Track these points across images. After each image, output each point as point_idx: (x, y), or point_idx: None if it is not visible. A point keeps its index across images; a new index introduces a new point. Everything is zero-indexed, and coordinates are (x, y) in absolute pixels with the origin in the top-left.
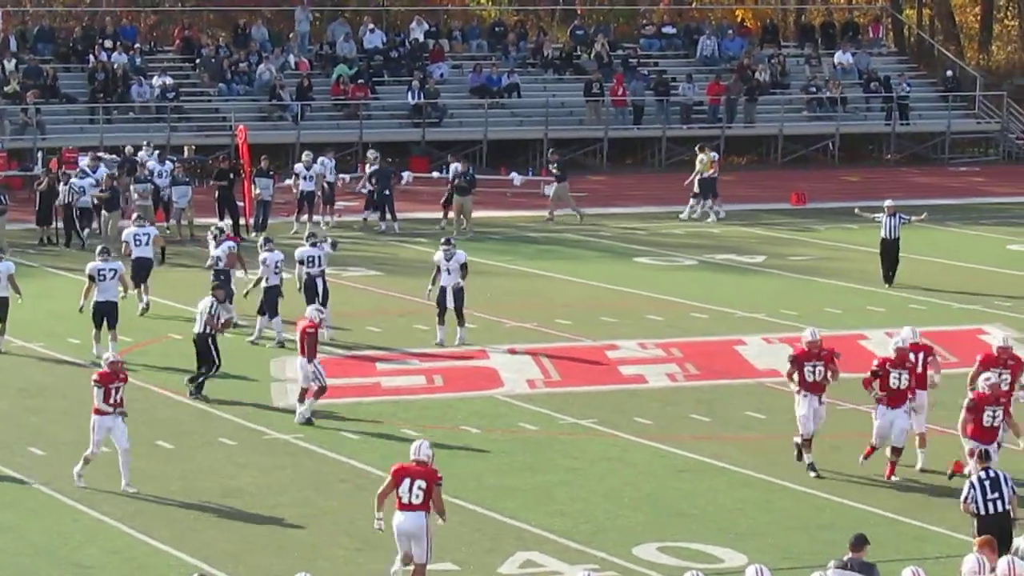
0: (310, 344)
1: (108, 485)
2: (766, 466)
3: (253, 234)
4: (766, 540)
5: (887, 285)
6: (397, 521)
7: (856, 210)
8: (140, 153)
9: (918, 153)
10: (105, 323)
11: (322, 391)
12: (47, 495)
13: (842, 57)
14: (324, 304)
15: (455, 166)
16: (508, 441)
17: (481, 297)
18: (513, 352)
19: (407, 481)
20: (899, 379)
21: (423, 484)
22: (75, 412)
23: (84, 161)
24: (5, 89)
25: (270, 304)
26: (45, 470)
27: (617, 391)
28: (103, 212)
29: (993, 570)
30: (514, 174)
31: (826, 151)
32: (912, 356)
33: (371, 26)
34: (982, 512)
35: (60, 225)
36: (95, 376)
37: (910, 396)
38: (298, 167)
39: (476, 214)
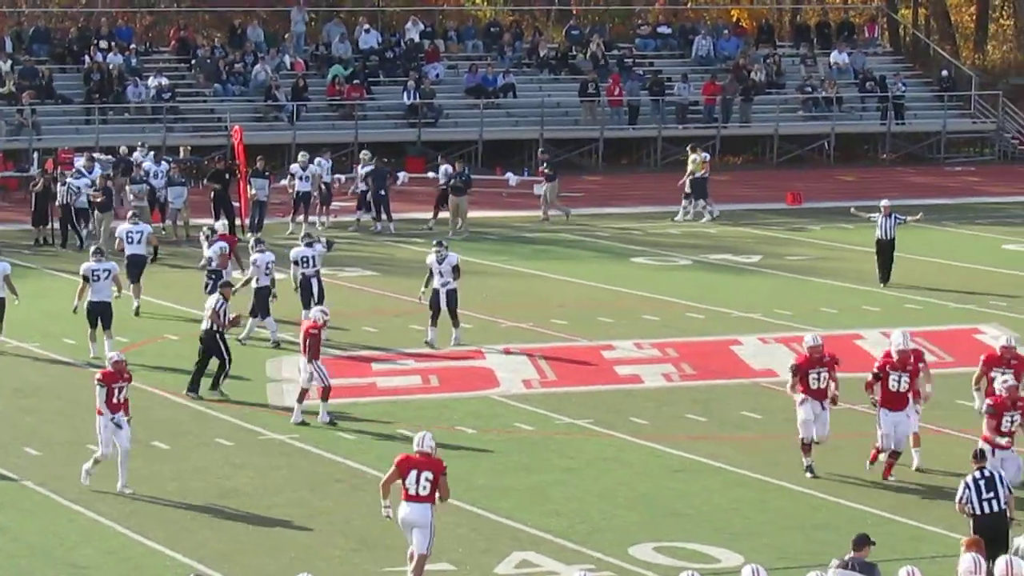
0: (312, 345)
1: (104, 485)
2: (762, 466)
3: (249, 234)
4: (761, 540)
5: (883, 285)
6: (403, 512)
7: (852, 210)
8: (135, 154)
9: (914, 153)
10: (100, 323)
11: (327, 391)
12: (43, 495)
13: (838, 57)
14: (320, 304)
15: (445, 167)
16: (504, 441)
17: (477, 297)
18: (509, 352)
19: (414, 473)
20: (899, 382)
21: (430, 475)
22: (70, 412)
23: (80, 161)
24: (0, 90)
25: (261, 305)
26: (40, 470)
27: (613, 391)
28: (95, 213)
29: (990, 572)
30: (510, 174)
31: (822, 151)
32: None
33: (366, 26)
34: (977, 512)
35: (56, 226)
36: (98, 375)
37: (912, 398)
38: (294, 167)
39: (472, 214)
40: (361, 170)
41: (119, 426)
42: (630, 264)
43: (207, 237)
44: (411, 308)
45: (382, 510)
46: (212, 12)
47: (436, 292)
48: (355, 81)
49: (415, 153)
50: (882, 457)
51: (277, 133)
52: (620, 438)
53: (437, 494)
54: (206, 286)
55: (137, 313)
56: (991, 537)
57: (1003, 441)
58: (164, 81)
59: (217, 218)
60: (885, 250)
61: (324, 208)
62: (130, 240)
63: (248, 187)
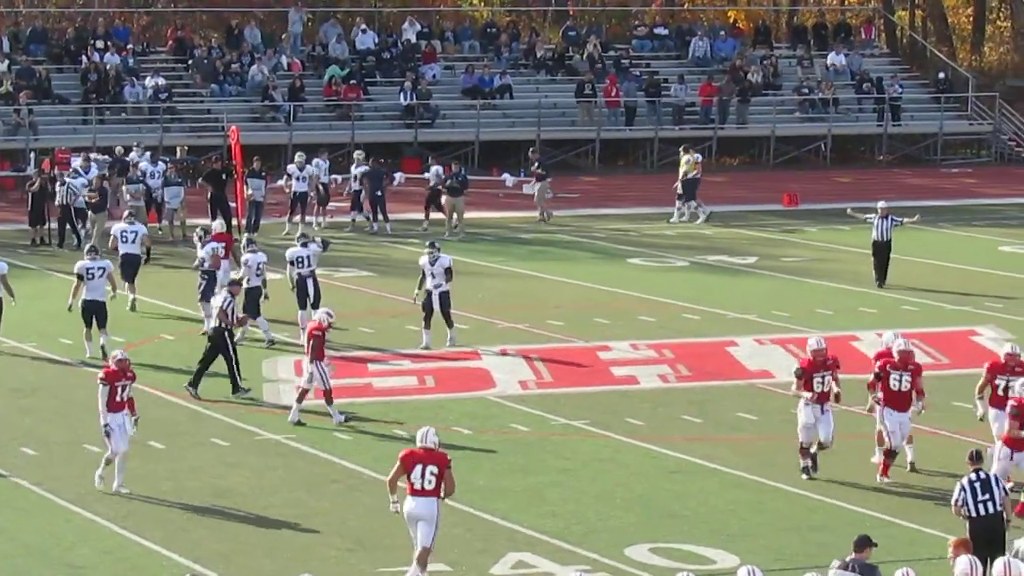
0: (315, 346)
1: (100, 486)
2: (758, 467)
3: (245, 234)
4: (758, 541)
5: (879, 286)
6: (409, 506)
7: (848, 211)
8: (131, 154)
9: (910, 154)
10: (95, 321)
11: (329, 395)
12: (39, 495)
13: (834, 58)
14: (316, 305)
15: (435, 168)
16: (500, 442)
17: (473, 298)
18: (505, 353)
19: (419, 467)
20: (899, 381)
21: (435, 469)
22: (67, 412)
23: (76, 162)
24: None
25: (252, 305)
26: (37, 470)
27: (609, 392)
28: (89, 213)
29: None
30: (506, 175)
31: (818, 152)
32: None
33: (363, 27)
34: (973, 514)
35: (53, 226)
36: (100, 374)
37: (916, 396)
38: (291, 168)
39: (468, 215)
40: (355, 170)
41: (123, 423)
42: (626, 265)
43: (200, 238)
44: (407, 309)
45: (390, 506)
46: (209, 12)
47: (429, 294)
48: (352, 82)
49: (412, 154)
50: (874, 458)
51: (274, 133)
52: (616, 439)
53: (443, 488)
54: (199, 286)
55: (133, 308)
56: (987, 539)
57: None
58: (161, 81)
59: (214, 218)
60: (881, 251)
61: (321, 209)
62: (124, 239)
63: (245, 187)
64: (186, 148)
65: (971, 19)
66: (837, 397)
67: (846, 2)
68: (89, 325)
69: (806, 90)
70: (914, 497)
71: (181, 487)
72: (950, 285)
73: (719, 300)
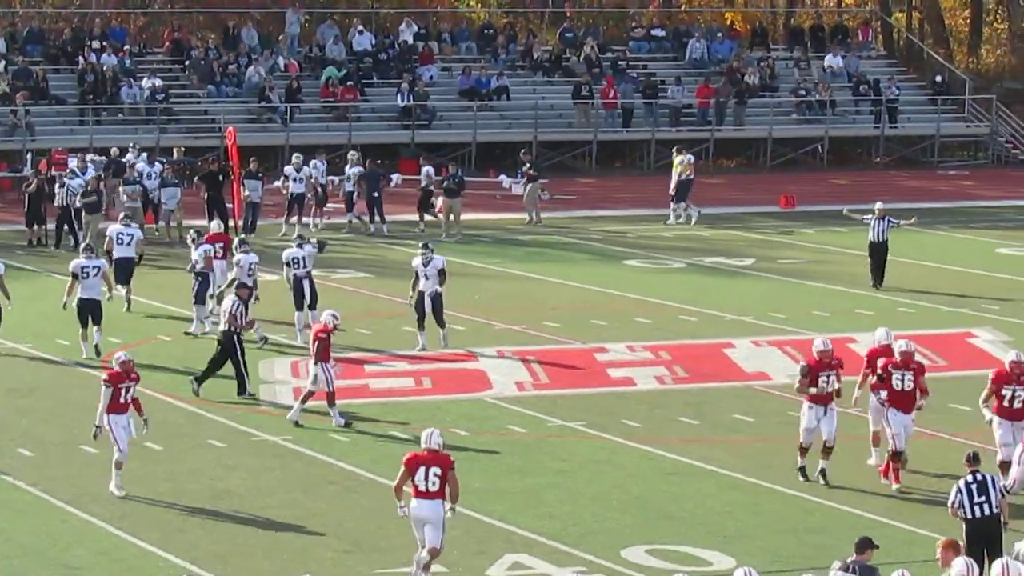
0: (321, 348)
1: (97, 486)
2: (754, 469)
3: (242, 236)
4: (754, 543)
5: (876, 288)
6: (414, 508)
7: (845, 211)
8: (128, 155)
9: (907, 156)
10: (90, 320)
11: (332, 397)
12: (35, 496)
13: (831, 60)
14: (313, 307)
15: (427, 169)
16: (497, 443)
17: (470, 300)
18: (502, 354)
19: (422, 469)
20: (902, 380)
21: (438, 471)
22: (63, 413)
23: (73, 162)
24: None
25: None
26: (33, 471)
27: (606, 394)
28: (83, 215)
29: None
30: (503, 176)
31: (815, 154)
32: (884, 360)
33: (360, 28)
34: (969, 516)
35: (51, 226)
36: (104, 376)
37: (920, 395)
38: (288, 169)
39: (465, 216)
40: (349, 170)
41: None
42: (623, 267)
43: (193, 240)
44: (404, 310)
45: (398, 510)
46: (206, 13)
47: (421, 295)
48: (349, 83)
49: (409, 155)
50: (869, 461)
51: (271, 135)
52: (613, 441)
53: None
54: (193, 288)
55: (128, 308)
56: (983, 541)
57: None
58: (158, 82)
59: (211, 220)
60: (878, 252)
61: (318, 210)
62: (120, 242)
63: (242, 189)
64: (183, 149)
65: (968, 21)
66: (838, 393)
67: (843, 4)
68: (85, 325)
69: (803, 92)
70: (910, 499)
71: (179, 488)
72: (947, 287)
73: (716, 302)
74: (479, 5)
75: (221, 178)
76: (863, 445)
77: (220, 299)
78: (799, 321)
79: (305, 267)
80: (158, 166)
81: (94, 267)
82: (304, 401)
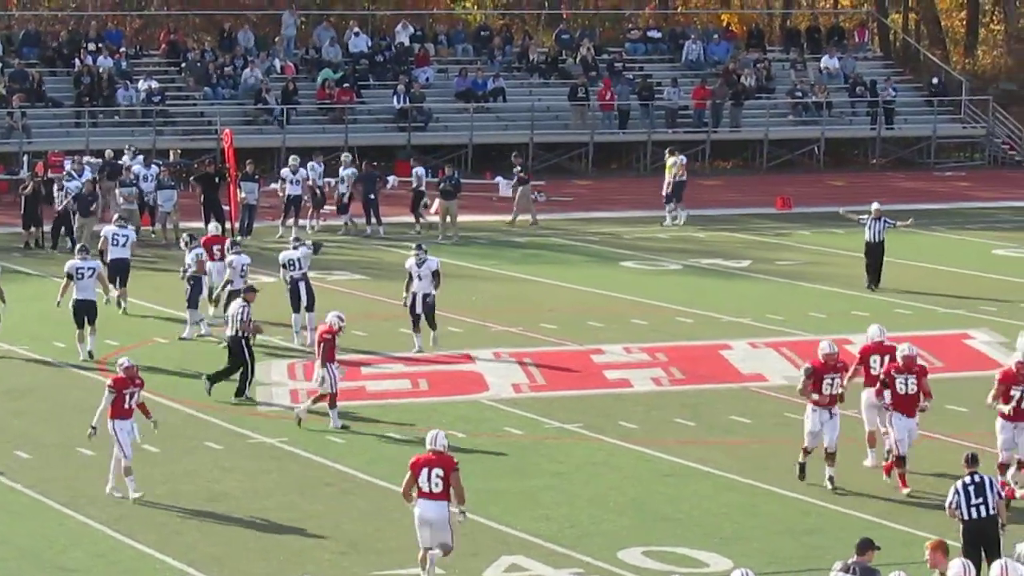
0: (326, 349)
1: (94, 489)
2: (751, 470)
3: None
4: (751, 544)
5: (871, 289)
6: (419, 510)
7: (840, 211)
8: (124, 157)
9: (904, 158)
10: (86, 322)
11: (333, 398)
12: (32, 498)
13: (828, 61)
14: (310, 308)
15: (418, 170)
16: (493, 445)
17: (467, 301)
18: (498, 356)
19: (426, 471)
20: (906, 384)
21: (440, 472)
22: (60, 415)
23: (69, 165)
24: None
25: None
26: (30, 473)
27: (602, 395)
28: (78, 216)
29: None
30: (499, 178)
31: (811, 155)
32: (877, 357)
33: (356, 30)
34: (966, 517)
35: (47, 229)
36: (109, 382)
37: (923, 397)
38: (284, 171)
39: (461, 218)
40: (343, 171)
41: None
42: (620, 268)
43: (187, 243)
44: (400, 312)
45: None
46: (202, 15)
47: (415, 296)
48: (345, 85)
49: (405, 157)
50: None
51: (267, 137)
52: (609, 442)
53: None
54: (186, 292)
55: (119, 306)
56: (980, 543)
57: None
58: (154, 84)
59: (207, 222)
60: (874, 253)
61: (316, 212)
62: (115, 243)
63: (238, 191)
64: (179, 151)
65: (964, 22)
66: (841, 397)
67: (839, 5)
68: (81, 326)
69: (799, 93)
70: (908, 500)
71: (175, 491)
72: (943, 288)
73: (712, 303)
74: (475, 7)
75: (217, 180)
76: (859, 447)
77: (217, 301)
78: (796, 323)
79: (301, 269)
80: (154, 168)
81: (89, 268)
82: (316, 402)
